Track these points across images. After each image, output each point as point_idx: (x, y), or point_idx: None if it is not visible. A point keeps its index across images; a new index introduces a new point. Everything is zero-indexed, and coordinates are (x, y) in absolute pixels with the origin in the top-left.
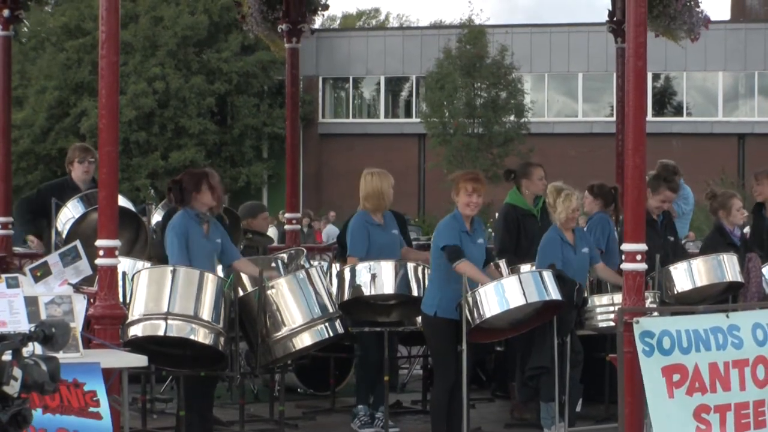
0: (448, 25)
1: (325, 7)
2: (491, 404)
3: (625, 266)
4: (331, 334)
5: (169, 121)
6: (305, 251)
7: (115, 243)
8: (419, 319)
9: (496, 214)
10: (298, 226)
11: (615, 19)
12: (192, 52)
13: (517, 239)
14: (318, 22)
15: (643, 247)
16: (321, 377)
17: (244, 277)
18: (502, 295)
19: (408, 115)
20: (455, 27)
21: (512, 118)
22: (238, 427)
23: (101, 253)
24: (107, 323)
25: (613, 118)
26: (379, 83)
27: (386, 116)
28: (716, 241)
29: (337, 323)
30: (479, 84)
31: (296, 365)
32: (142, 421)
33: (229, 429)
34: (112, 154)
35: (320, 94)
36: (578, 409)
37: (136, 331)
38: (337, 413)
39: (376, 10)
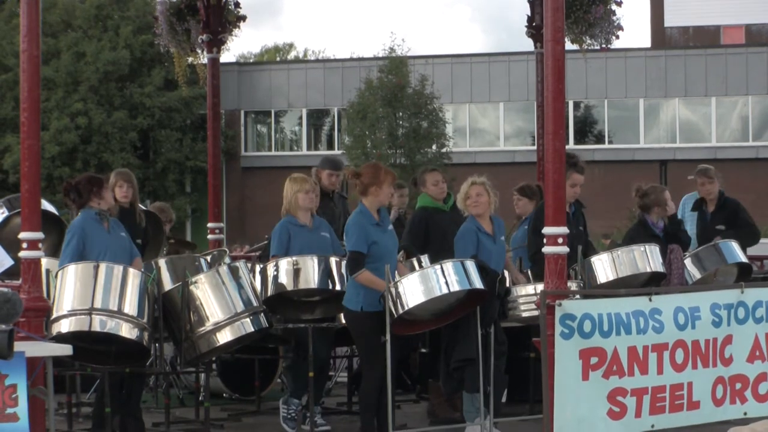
0: (368, 57)
1: (242, 18)
2: (416, 405)
3: (547, 249)
4: (254, 329)
5: (92, 156)
6: (228, 251)
7: (38, 235)
8: (342, 315)
9: None
10: (222, 236)
11: (534, 24)
12: (114, 88)
13: (426, 236)
14: (235, 52)
15: (564, 230)
16: (246, 382)
17: (165, 277)
18: (425, 284)
19: (330, 147)
20: (376, 59)
21: (434, 147)
22: (164, 428)
23: (24, 245)
24: (32, 315)
25: (535, 147)
26: (301, 116)
27: (308, 149)
28: (639, 233)
29: (261, 317)
30: (401, 114)
31: (221, 367)
32: (68, 423)
33: (157, 429)
34: (34, 147)
35: (242, 128)
36: (503, 399)
37: (61, 327)
38: (263, 415)
39: (291, 45)
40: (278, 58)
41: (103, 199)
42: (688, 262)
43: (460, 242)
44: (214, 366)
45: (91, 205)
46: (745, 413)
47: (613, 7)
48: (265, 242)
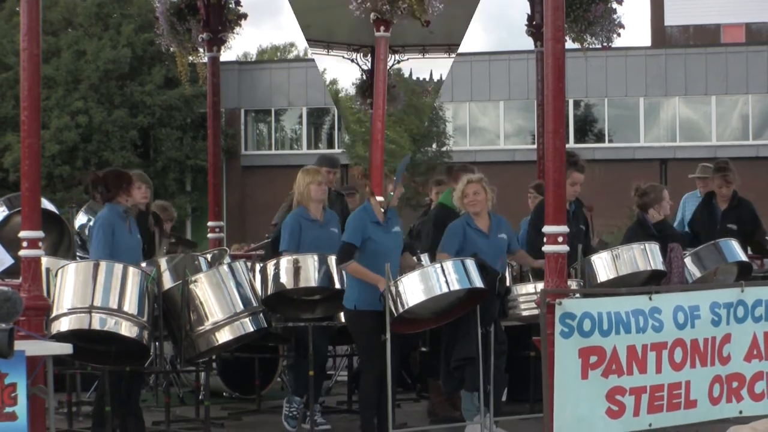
0: None
1: (243, 16)
2: (416, 404)
3: (547, 248)
4: (254, 328)
5: (93, 155)
6: (228, 250)
7: (38, 234)
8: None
9: None
10: (222, 235)
11: (534, 23)
12: (115, 86)
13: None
14: (236, 52)
15: (564, 229)
16: (246, 381)
17: (165, 275)
18: (425, 283)
19: (330, 145)
20: None
21: (434, 146)
22: (164, 427)
23: (25, 244)
24: (32, 315)
25: (535, 146)
26: (301, 115)
27: (309, 147)
28: (636, 233)
29: (261, 317)
30: None
31: (221, 365)
32: (68, 422)
33: (157, 428)
34: (34, 146)
35: (242, 126)
36: (503, 398)
37: (60, 325)
38: (263, 413)
39: (292, 44)
40: (278, 57)
41: (131, 197)
42: (688, 260)
43: (445, 237)
44: (214, 365)
45: (118, 200)
46: (741, 411)
47: (614, 5)
48: (266, 240)
